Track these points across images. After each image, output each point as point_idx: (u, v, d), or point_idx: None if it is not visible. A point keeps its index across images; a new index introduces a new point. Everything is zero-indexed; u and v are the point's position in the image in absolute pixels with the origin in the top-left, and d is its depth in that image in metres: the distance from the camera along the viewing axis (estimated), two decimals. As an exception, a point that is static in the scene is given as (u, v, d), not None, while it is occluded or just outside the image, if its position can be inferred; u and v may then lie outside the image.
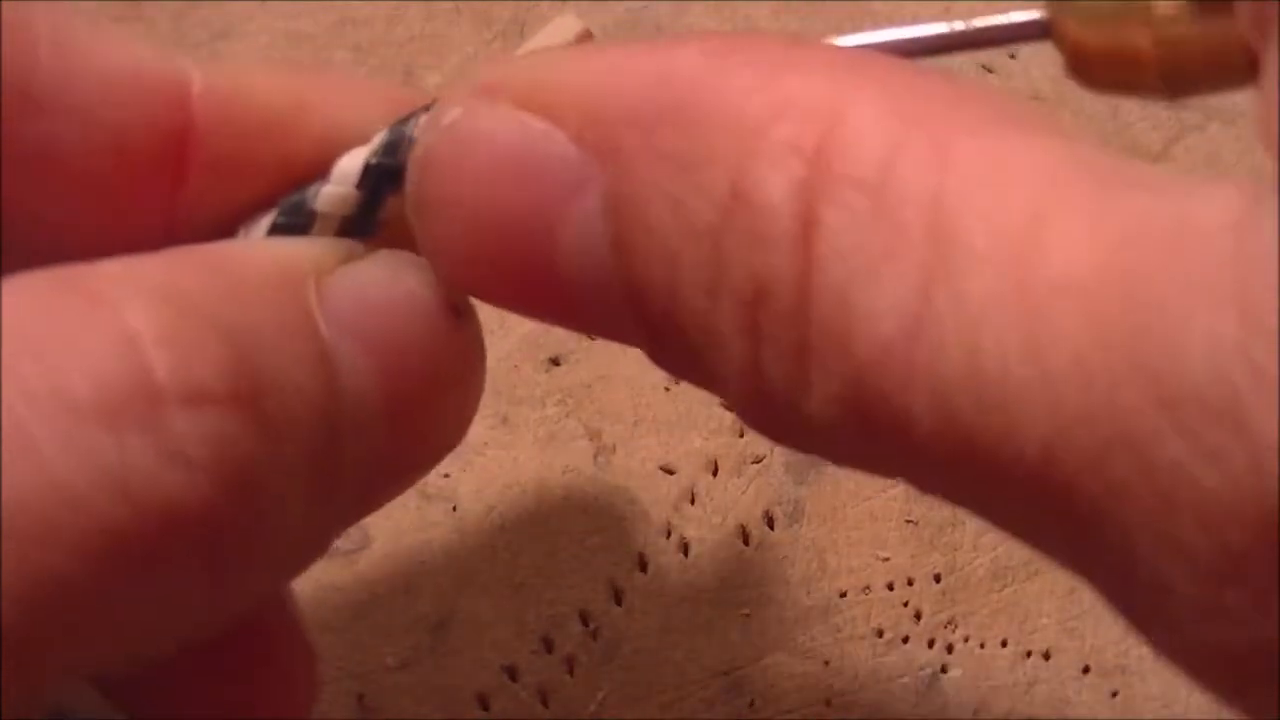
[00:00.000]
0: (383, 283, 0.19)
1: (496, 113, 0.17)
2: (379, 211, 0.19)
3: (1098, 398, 0.13)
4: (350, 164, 0.19)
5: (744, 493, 0.30)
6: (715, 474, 0.30)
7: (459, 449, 0.30)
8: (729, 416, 0.31)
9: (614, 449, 0.30)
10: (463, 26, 0.36)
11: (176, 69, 0.19)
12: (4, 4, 0.18)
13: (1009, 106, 0.15)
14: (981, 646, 0.29)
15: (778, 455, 0.31)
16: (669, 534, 0.30)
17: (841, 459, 0.17)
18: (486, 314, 0.31)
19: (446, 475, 0.30)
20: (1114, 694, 0.29)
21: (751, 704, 0.29)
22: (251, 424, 0.16)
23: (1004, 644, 0.29)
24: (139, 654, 0.17)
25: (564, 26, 0.20)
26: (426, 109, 0.19)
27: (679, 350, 0.17)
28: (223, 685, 0.20)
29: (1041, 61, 0.36)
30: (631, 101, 0.16)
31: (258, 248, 0.19)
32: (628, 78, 0.16)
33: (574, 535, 0.30)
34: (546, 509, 0.30)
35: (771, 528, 0.30)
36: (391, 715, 0.28)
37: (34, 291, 0.16)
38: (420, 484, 0.29)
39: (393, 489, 0.20)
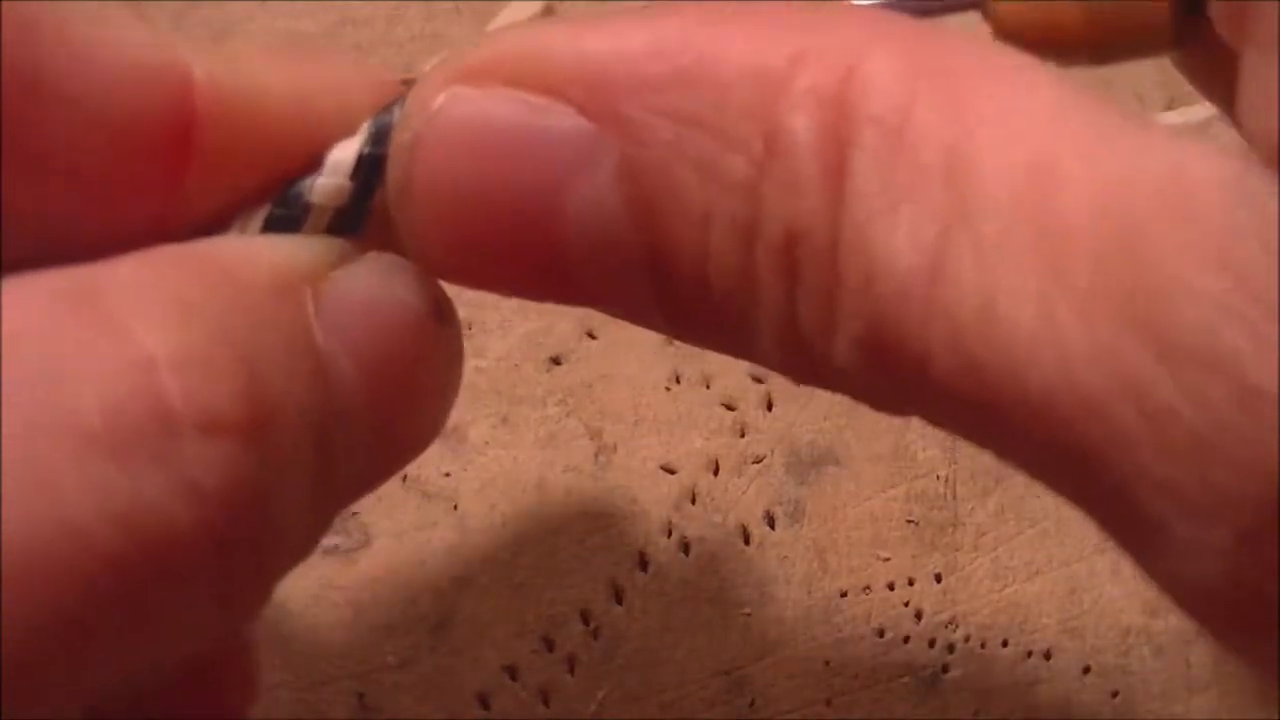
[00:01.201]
0: (374, 290, 0.19)
1: (490, 93, 0.17)
2: (370, 201, 0.19)
3: (1102, 345, 0.14)
4: (343, 155, 0.19)
5: (745, 492, 0.30)
6: (716, 473, 0.30)
7: (459, 448, 0.30)
8: (729, 416, 0.31)
9: (615, 448, 0.30)
10: (463, 26, 0.36)
11: (180, 60, 0.19)
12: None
13: (1011, 52, 0.16)
14: (982, 646, 0.29)
15: (778, 455, 0.31)
16: (670, 534, 0.30)
17: (865, 399, 0.17)
18: (487, 315, 0.31)
19: (447, 474, 0.30)
20: (1114, 694, 0.29)
21: (751, 704, 0.29)
22: (258, 447, 0.16)
23: (1005, 644, 0.29)
24: (141, 677, 0.17)
25: (525, 5, 0.20)
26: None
27: (702, 312, 0.17)
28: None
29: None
30: (636, 70, 0.16)
31: (257, 250, 0.19)
32: (627, 47, 0.16)
33: (574, 535, 0.30)
34: (547, 508, 0.30)
35: (772, 527, 0.30)
36: (392, 715, 0.28)
37: (42, 303, 0.16)
38: (420, 483, 0.29)
39: (373, 486, 0.20)
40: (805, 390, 0.31)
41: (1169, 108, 0.35)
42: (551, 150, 0.17)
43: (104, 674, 0.16)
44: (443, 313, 0.20)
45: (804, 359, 0.16)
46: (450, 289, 0.20)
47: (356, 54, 0.35)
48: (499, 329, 0.31)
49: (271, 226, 0.19)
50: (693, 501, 0.30)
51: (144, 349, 0.16)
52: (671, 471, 0.30)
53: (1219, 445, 0.13)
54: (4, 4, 0.18)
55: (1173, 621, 0.30)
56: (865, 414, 0.31)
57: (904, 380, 0.15)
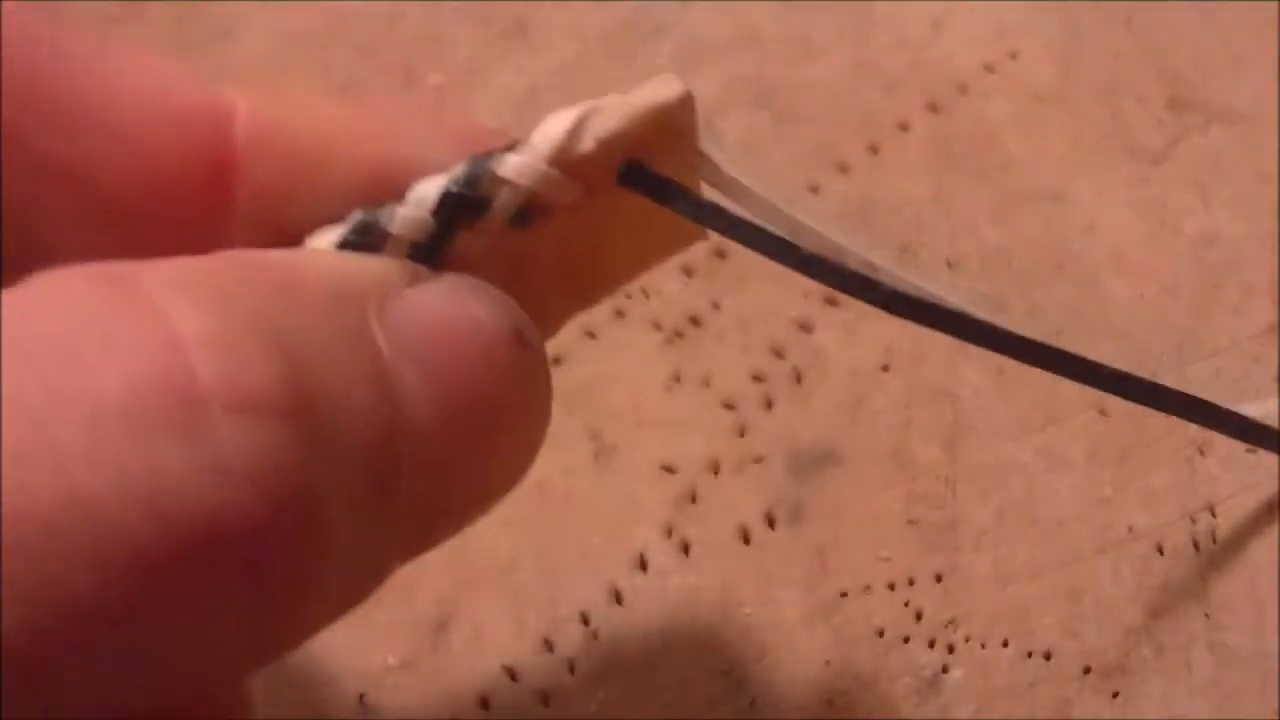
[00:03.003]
0: (448, 306, 0.18)
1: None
2: (450, 243, 0.19)
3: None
4: (428, 189, 0.19)
5: (745, 492, 0.30)
6: (716, 473, 0.30)
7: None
8: (729, 416, 0.31)
9: (614, 449, 0.30)
10: (463, 26, 0.36)
11: (219, 96, 0.18)
12: (37, 28, 0.17)
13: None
14: (983, 647, 0.29)
15: (778, 455, 0.31)
16: (670, 534, 0.30)
17: None
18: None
19: (447, 475, 0.30)
20: (1115, 694, 0.29)
21: (752, 704, 0.29)
22: (304, 438, 0.15)
23: (1005, 644, 0.29)
24: (168, 689, 0.16)
25: (665, 85, 0.19)
26: (510, 148, 0.19)
27: None
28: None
29: (1042, 62, 0.36)
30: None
31: (321, 259, 0.18)
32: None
33: (574, 535, 0.30)
34: (547, 509, 0.30)
35: (772, 527, 0.30)
36: (392, 715, 0.28)
37: (75, 286, 0.15)
38: (421, 484, 0.29)
39: (451, 524, 0.19)
40: (805, 390, 0.31)
41: (1169, 108, 0.35)
42: None
43: (123, 676, 0.15)
44: (525, 338, 0.19)
45: None
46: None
47: (356, 54, 0.35)
48: (499, 329, 0.31)
49: (343, 250, 0.19)
50: (693, 502, 0.30)
51: (173, 327, 0.15)
52: (671, 471, 0.30)
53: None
54: (34, 37, 0.17)
55: (1173, 621, 0.30)
56: (866, 414, 0.31)
57: None
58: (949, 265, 0.33)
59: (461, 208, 0.19)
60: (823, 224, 0.20)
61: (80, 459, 0.14)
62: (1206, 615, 0.30)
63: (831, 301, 0.32)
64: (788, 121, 0.35)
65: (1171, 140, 0.35)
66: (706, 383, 0.31)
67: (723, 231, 0.19)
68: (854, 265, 0.20)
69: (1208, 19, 0.36)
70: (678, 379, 0.31)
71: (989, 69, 0.35)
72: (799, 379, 0.31)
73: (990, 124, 0.35)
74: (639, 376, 0.31)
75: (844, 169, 0.34)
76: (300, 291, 0.17)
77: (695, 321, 0.32)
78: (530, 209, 0.19)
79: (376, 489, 0.17)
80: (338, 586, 0.17)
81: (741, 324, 0.32)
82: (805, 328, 0.32)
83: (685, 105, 0.19)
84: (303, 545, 0.16)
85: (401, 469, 0.17)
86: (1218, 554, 0.30)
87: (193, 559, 0.15)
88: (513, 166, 0.19)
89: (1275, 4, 0.36)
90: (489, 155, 0.19)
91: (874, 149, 0.34)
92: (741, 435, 0.31)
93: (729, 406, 0.31)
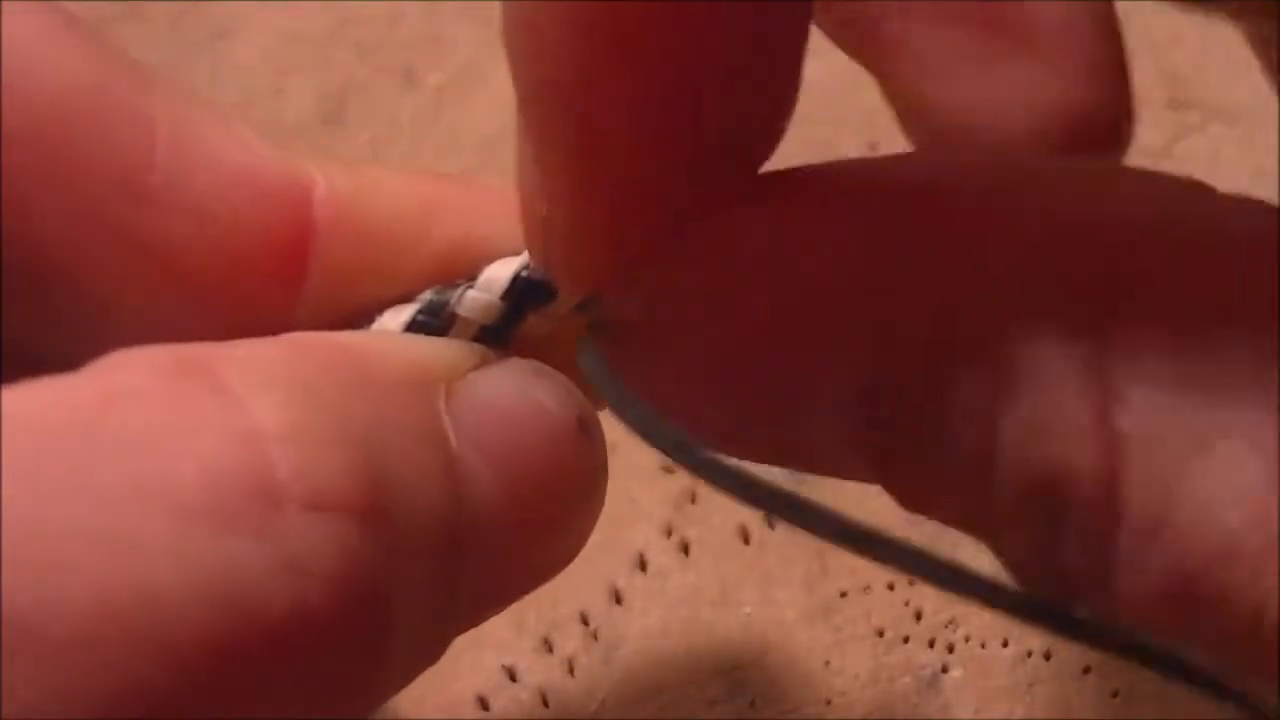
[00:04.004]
0: (512, 393, 0.18)
1: None
2: (518, 325, 0.19)
3: None
4: (500, 273, 0.19)
5: (744, 493, 0.30)
6: (716, 474, 0.30)
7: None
8: (729, 416, 0.31)
9: (614, 448, 0.30)
10: (463, 26, 0.36)
11: (299, 171, 0.19)
12: (123, 96, 0.18)
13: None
14: (982, 646, 0.29)
15: (778, 455, 0.31)
16: (669, 534, 0.30)
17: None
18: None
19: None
20: (1114, 694, 0.29)
21: (752, 704, 0.29)
22: (375, 534, 0.15)
23: (1005, 644, 0.29)
24: None
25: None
26: None
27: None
28: None
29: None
30: None
31: (392, 344, 0.18)
32: None
33: (574, 535, 0.30)
34: (547, 509, 0.30)
35: (772, 527, 0.30)
36: (392, 715, 0.28)
37: (152, 370, 0.15)
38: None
39: (508, 598, 0.19)
40: (805, 390, 0.31)
41: (1168, 107, 0.35)
42: None
43: None
44: (587, 426, 0.19)
45: (1065, 589, 0.16)
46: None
47: (357, 54, 0.36)
48: (499, 329, 0.31)
49: (413, 331, 0.19)
50: (693, 502, 0.30)
51: (253, 420, 0.15)
52: (671, 471, 0.30)
53: None
54: (119, 102, 0.17)
55: (1173, 621, 0.30)
56: (865, 414, 0.31)
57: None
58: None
59: (532, 293, 0.19)
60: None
61: (159, 555, 0.14)
62: (1206, 615, 0.30)
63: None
64: (787, 121, 0.35)
65: (1171, 138, 0.35)
66: (706, 383, 0.31)
67: None
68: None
69: (1207, 19, 0.36)
70: (677, 379, 0.31)
71: (989, 68, 0.35)
72: (799, 379, 0.31)
73: (990, 123, 0.35)
74: (639, 376, 0.31)
75: (844, 169, 0.34)
76: (374, 382, 0.17)
77: (695, 321, 0.32)
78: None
79: (441, 576, 0.17)
80: (400, 663, 0.17)
81: (741, 324, 0.32)
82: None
83: None
84: (368, 636, 0.16)
85: (465, 555, 0.17)
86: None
87: (262, 652, 0.15)
88: None
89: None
90: None
91: (874, 149, 0.34)
92: (741, 435, 0.31)
93: (729, 406, 0.31)
